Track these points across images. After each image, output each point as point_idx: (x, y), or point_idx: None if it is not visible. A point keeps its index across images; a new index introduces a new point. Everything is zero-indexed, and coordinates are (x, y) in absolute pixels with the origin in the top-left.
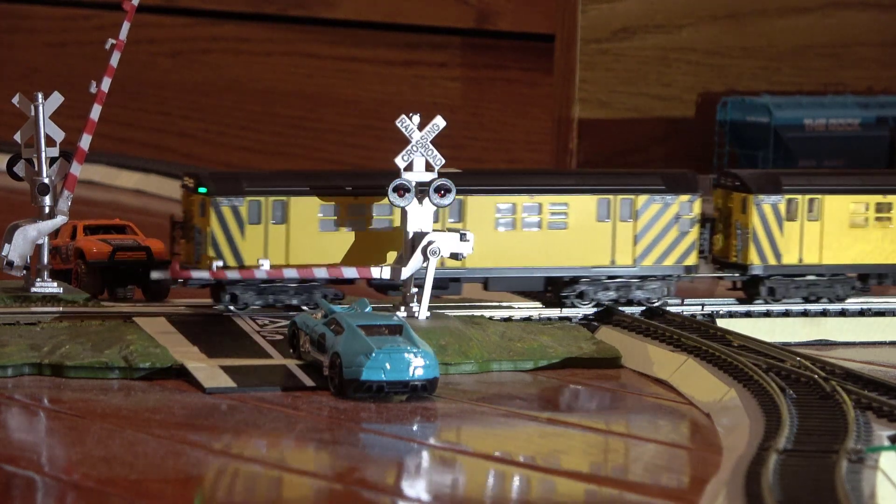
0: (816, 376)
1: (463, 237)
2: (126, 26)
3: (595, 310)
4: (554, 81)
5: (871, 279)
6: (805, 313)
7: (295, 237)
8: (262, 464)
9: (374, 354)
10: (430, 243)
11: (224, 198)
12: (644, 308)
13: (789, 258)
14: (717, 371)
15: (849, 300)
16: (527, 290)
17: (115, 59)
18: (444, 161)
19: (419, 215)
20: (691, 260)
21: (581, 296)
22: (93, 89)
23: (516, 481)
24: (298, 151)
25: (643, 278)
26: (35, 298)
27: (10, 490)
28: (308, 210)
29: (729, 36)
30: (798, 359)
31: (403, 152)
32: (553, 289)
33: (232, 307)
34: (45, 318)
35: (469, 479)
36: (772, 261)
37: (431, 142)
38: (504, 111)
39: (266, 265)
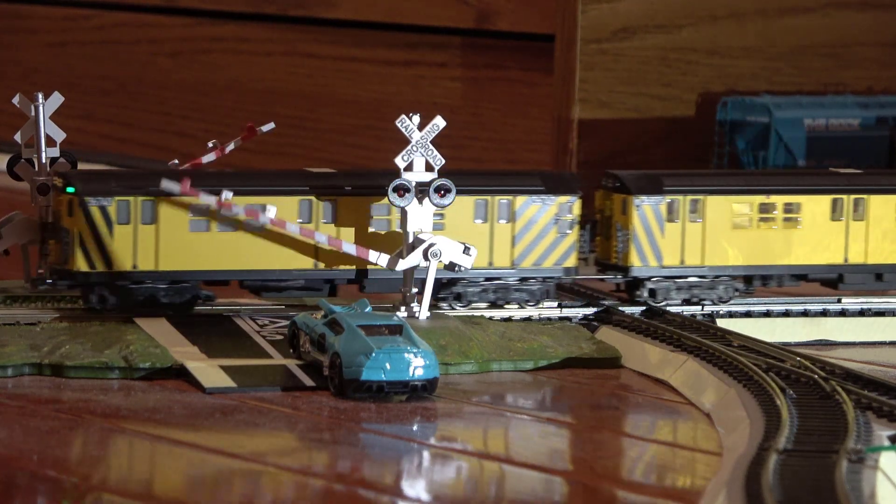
0: (816, 376)
1: (466, 251)
2: (236, 142)
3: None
4: (554, 81)
5: (755, 280)
6: (805, 313)
7: (165, 238)
8: (262, 464)
9: (374, 354)
10: (431, 245)
11: (92, 198)
12: (644, 308)
13: (671, 260)
14: (717, 371)
15: (732, 302)
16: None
17: (207, 158)
18: (444, 161)
19: (419, 215)
20: (571, 261)
21: (459, 297)
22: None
23: (516, 481)
24: (298, 151)
25: (522, 280)
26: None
27: (10, 490)
28: (178, 210)
29: (729, 36)
30: (798, 359)
31: (403, 152)
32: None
33: (99, 308)
34: (44, 318)
35: (469, 479)
36: (653, 262)
37: (431, 142)
38: (504, 111)
39: (272, 211)
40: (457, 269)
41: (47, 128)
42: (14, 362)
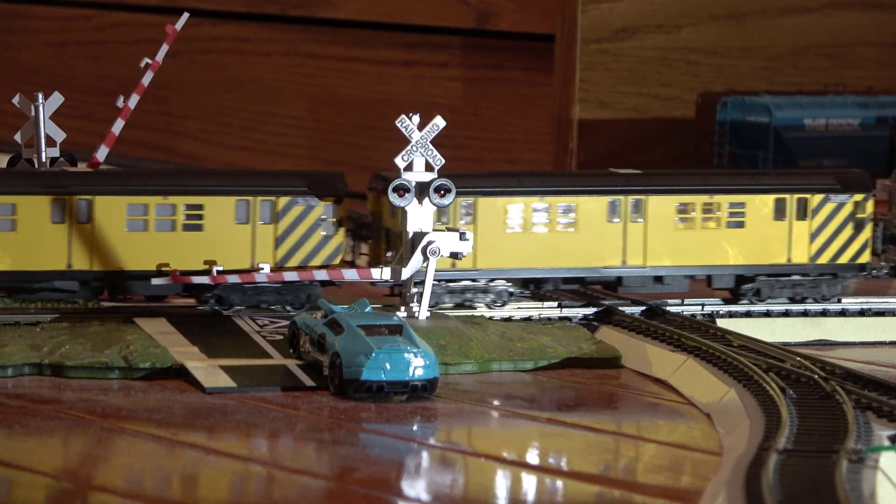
0: (816, 376)
1: (462, 236)
2: (164, 48)
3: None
4: (554, 81)
5: (531, 285)
6: (805, 313)
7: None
8: (262, 464)
9: (374, 354)
10: (430, 243)
11: None
12: (644, 308)
13: (440, 262)
14: (717, 371)
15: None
16: (166, 293)
17: (147, 79)
18: (444, 161)
19: (419, 215)
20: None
21: (220, 301)
22: (119, 103)
23: (516, 481)
24: (298, 151)
25: (286, 282)
26: None
27: (10, 490)
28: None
29: (729, 36)
30: (798, 359)
31: (403, 152)
32: (192, 293)
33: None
34: (44, 318)
35: (469, 479)
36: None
37: (431, 142)
38: (504, 111)
39: (266, 269)
40: (459, 257)
41: (47, 128)
42: (14, 362)
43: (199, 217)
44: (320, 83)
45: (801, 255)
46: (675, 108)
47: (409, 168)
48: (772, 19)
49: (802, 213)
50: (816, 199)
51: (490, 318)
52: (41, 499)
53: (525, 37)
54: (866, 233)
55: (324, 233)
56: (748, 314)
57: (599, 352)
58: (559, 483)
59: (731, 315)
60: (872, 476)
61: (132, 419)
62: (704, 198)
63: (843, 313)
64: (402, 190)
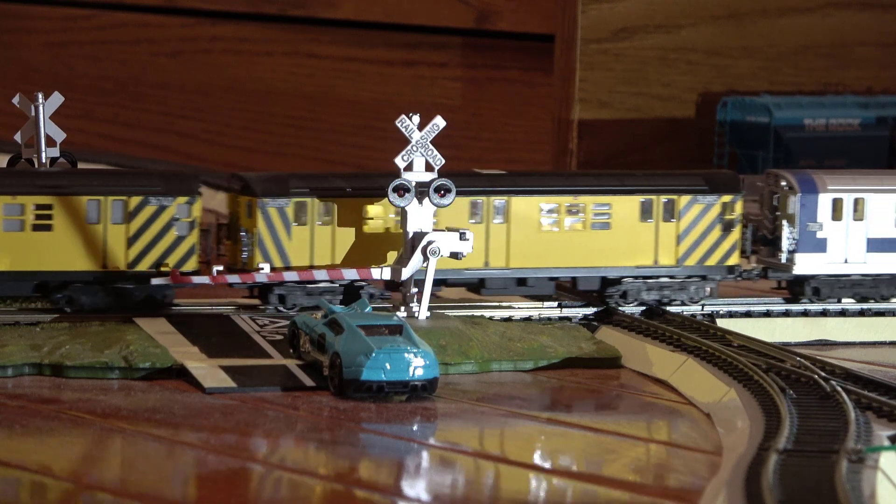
0: (816, 376)
1: (462, 236)
2: None
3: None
4: (554, 81)
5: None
6: (805, 313)
7: None
8: (262, 464)
9: (374, 354)
10: (429, 243)
11: None
12: (644, 308)
13: (298, 264)
14: (717, 371)
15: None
16: (18, 294)
17: None
18: (444, 161)
19: (419, 215)
20: (191, 265)
21: (70, 302)
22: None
23: (516, 481)
24: (298, 151)
25: (139, 281)
26: None
27: (9, 490)
28: None
29: (729, 36)
30: (798, 359)
31: (403, 152)
32: (43, 293)
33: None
34: (44, 318)
35: (469, 479)
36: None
37: (431, 142)
38: (504, 111)
39: (266, 269)
40: (459, 256)
41: (47, 128)
42: (14, 362)
43: (49, 217)
44: (320, 83)
45: (668, 257)
46: (675, 108)
47: (409, 168)
48: (772, 19)
49: (670, 214)
50: (684, 200)
51: (490, 318)
52: (41, 499)
53: (525, 37)
54: (735, 234)
55: (177, 233)
56: (748, 314)
57: (599, 352)
58: (559, 483)
59: (731, 315)
60: (872, 476)
61: (132, 419)
62: (569, 199)
63: (843, 313)
64: (402, 190)
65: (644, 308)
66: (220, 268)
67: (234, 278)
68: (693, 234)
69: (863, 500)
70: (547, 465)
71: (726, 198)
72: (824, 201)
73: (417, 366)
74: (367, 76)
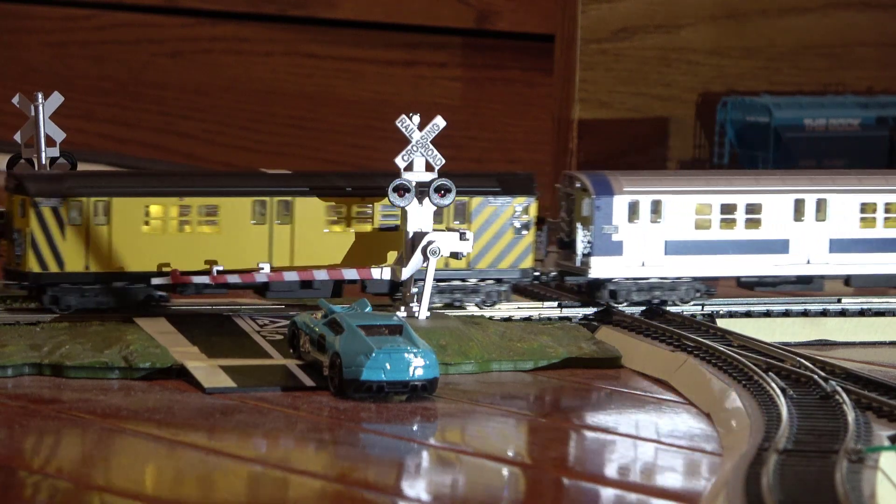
0: (816, 376)
1: (462, 236)
2: None
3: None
4: (554, 81)
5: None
6: (805, 313)
7: None
8: (262, 464)
9: (374, 354)
10: (430, 243)
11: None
12: (644, 308)
13: (73, 265)
14: (717, 371)
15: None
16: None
17: None
18: (444, 161)
19: (419, 215)
20: None
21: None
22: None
23: (516, 481)
24: (298, 151)
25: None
26: None
27: (10, 490)
28: None
29: (729, 36)
30: (798, 359)
31: (403, 152)
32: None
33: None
34: (44, 318)
35: (469, 479)
36: (54, 268)
37: (431, 142)
38: (504, 111)
39: (266, 268)
40: (459, 256)
41: (47, 128)
42: (14, 362)
43: None
44: (320, 83)
45: (458, 261)
46: (675, 108)
47: (409, 168)
48: (772, 19)
49: (461, 216)
50: (475, 201)
51: (490, 318)
52: (41, 499)
53: (525, 37)
54: (529, 237)
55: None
56: (748, 314)
57: (599, 352)
58: (559, 483)
59: (731, 315)
60: (872, 476)
61: (132, 419)
62: (357, 200)
63: (843, 313)
64: (402, 190)
65: (644, 308)
66: (220, 267)
67: (234, 278)
68: (485, 237)
69: (863, 500)
70: (547, 465)
71: (520, 199)
72: (620, 203)
73: (417, 366)
74: (367, 76)
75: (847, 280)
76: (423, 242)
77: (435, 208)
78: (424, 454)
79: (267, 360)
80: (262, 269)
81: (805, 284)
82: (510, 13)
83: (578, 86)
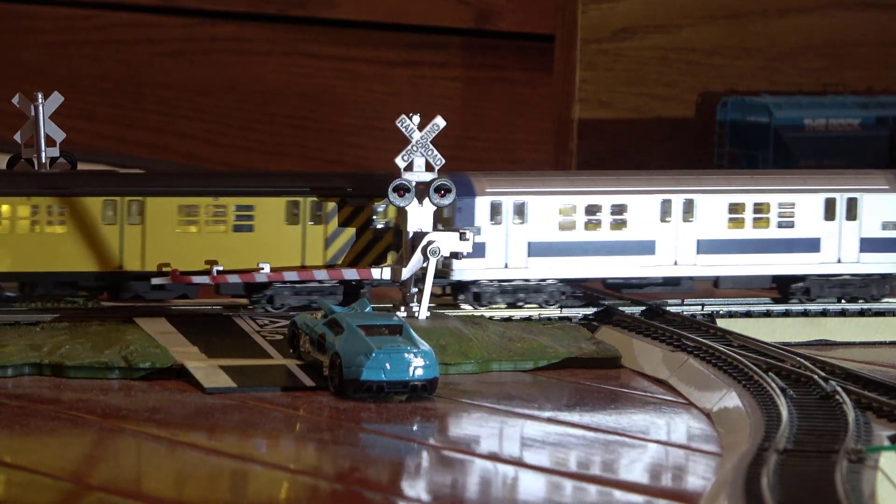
0: (816, 376)
1: (462, 236)
2: None
3: None
4: (554, 81)
5: (26, 288)
6: (805, 313)
7: None
8: (262, 464)
9: (374, 354)
10: (430, 243)
11: None
12: (644, 308)
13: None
14: (717, 371)
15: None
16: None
17: None
18: (444, 161)
19: (419, 215)
20: None
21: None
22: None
23: (516, 481)
24: (298, 151)
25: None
26: None
27: (10, 490)
28: None
29: (729, 36)
30: (798, 359)
31: (403, 152)
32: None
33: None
34: (44, 318)
35: (469, 479)
36: None
37: (431, 142)
38: (504, 111)
39: (266, 268)
40: (459, 256)
41: (47, 128)
42: (14, 362)
43: None
44: (320, 83)
45: (316, 260)
46: (675, 108)
47: (409, 168)
48: (772, 19)
49: (318, 216)
50: (332, 202)
51: (490, 318)
52: (41, 499)
53: (525, 37)
54: (387, 238)
55: None
56: (748, 314)
57: (599, 352)
58: (559, 483)
59: (731, 315)
60: (872, 476)
61: (132, 419)
62: (209, 200)
63: (843, 313)
64: (402, 190)
65: (644, 308)
66: (220, 267)
67: (233, 278)
68: (343, 238)
69: (863, 500)
70: (547, 465)
71: (378, 200)
72: (482, 205)
73: (417, 366)
74: (367, 76)
75: (715, 282)
76: (424, 242)
77: (434, 208)
78: (424, 454)
79: (267, 360)
80: (262, 269)
81: (673, 286)
82: (510, 13)
83: (578, 86)
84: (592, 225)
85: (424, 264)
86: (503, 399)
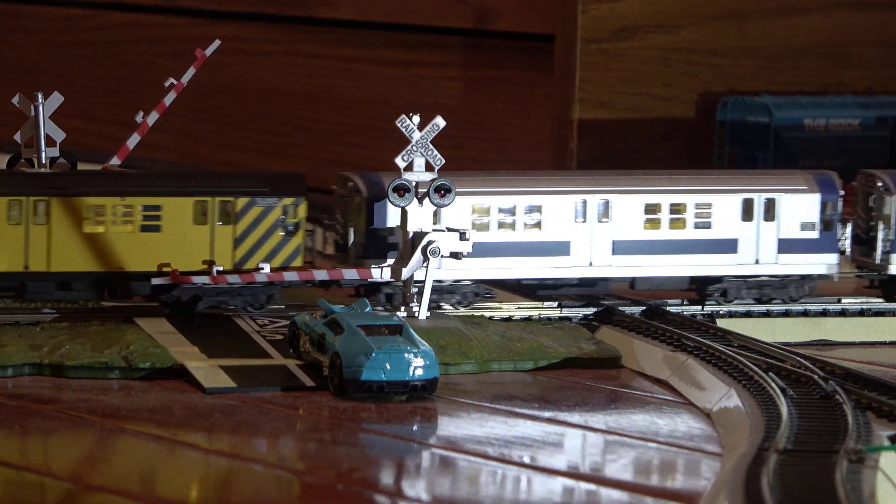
0: (816, 376)
1: (462, 236)
2: (191, 71)
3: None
4: (554, 81)
5: None
6: (805, 313)
7: None
8: (262, 464)
9: (374, 354)
10: (430, 243)
11: None
12: (644, 308)
13: None
14: (717, 371)
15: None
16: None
17: (169, 99)
18: (444, 161)
19: (419, 215)
20: None
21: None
22: (139, 119)
23: (516, 482)
24: (298, 151)
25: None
26: None
27: (10, 490)
28: None
29: (729, 36)
30: (798, 359)
31: (403, 152)
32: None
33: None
34: (44, 318)
35: (469, 479)
36: None
37: (431, 142)
38: (504, 111)
39: (266, 269)
40: (459, 257)
41: (47, 128)
42: (14, 362)
43: None
44: (320, 83)
45: (225, 261)
46: (675, 108)
47: (409, 168)
48: (772, 19)
49: (227, 216)
50: (241, 202)
51: (490, 318)
52: (41, 499)
53: (525, 37)
54: (298, 238)
55: None
56: (748, 314)
57: (599, 352)
58: (559, 483)
59: (731, 315)
60: (872, 476)
61: (132, 419)
62: (116, 200)
63: (843, 313)
64: (402, 190)
65: (644, 308)
66: (220, 267)
67: (234, 278)
68: (252, 238)
69: (863, 500)
70: (547, 465)
71: (287, 200)
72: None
73: (417, 366)
74: (367, 76)
75: (632, 283)
76: (423, 242)
77: (435, 208)
78: (424, 454)
79: (267, 360)
80: (263, 269)
81: (589, 287)
82: (510, 13)
83: (578, 86)
84: (507, 226)
85: (424, 264)
86: (503, 399)
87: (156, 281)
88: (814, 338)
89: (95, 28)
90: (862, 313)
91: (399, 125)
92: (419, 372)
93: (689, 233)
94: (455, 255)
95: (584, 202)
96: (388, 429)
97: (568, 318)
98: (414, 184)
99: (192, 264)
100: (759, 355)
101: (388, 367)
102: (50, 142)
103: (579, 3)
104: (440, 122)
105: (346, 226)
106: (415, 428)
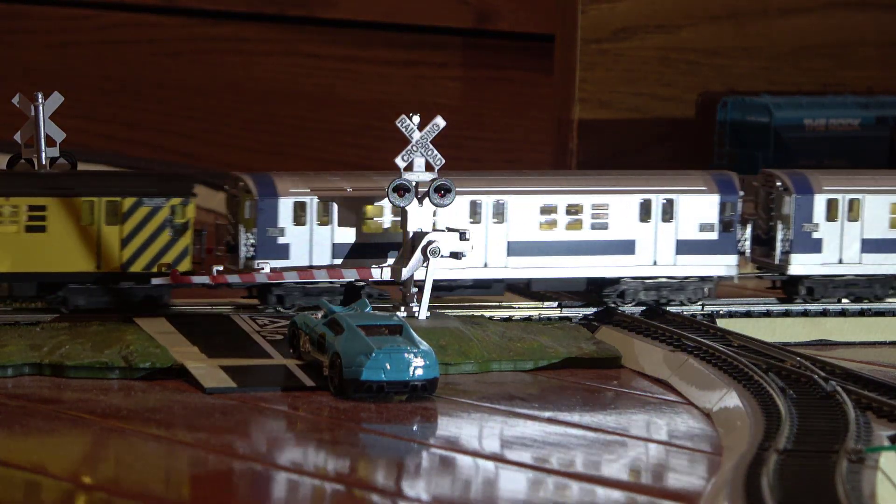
0: (816, 376)
1: (463, 236)
2: None
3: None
4: (554, 81)
5: None
6: (805, 313)
7: None
8: (262, 464)
9: (374, 354)
10: (430, 243)
11: None
12: (645, 308)
13: None
14: (717, 371)
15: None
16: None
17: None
18: (444, 161)
19: (419, 215)
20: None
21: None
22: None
23: (516, 482)
24: (298, 151)
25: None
26: None
27: (10, 490)
28: None
29: (729, 36)
30: (798, 359)
31: (403, 152)
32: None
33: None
34: (44, 318)
35: (469, 479)
36: None
37: (431, 142)
38: (504, 111)
39: (267, 269)
40: (459, 257)
41: (47, 128)
42: (14, 362)
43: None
44: (320, 83)
45: (112, 261)
46: (675, 108)
47: (409, 168)
48: (772, 19)
49: (113, 216)
50: (128, 202)
51: (490, 318)
52: (41, 499)
53: (525, 37)
54: (186, 238)
55: None
56: (748, 314)
57: (599, 352)
58: (559, 483)
59: (731, 315)
60: (872, 476)
61: (132, 419)
62: (1, 200)
63: (843, 313)
64: (402, 190)
65: (644, 308)
66: (220, 268)
67: (234, 278)
68: (139, 238)
69: (863, 500)
70: (547, 465)
71: (175, 200)
72: (285, 205)
73: (417, 366)
74: (367, 76)
75: (528, 284)
76: (424, 242)
77: (435, 208)
78: (424, 454)
79: (267, 360)
80: (262, 269)
81: (484, 289)
82: (510, 13)
83: (578, 86)
84: (398, 226)
85: (425, 264)
86: (503, 399)
87: (156, 281)
88: (814, 338)
89: (96, 28)
90: (862, 313)
91: (399, 125)
92: (419, 372)
93: (587, 234)
94: (455, 255)
95: (479, 202)
96: (388, 429)
97: (568, 318)
98: (414, 184)
99: (79, 265)
100: (759, 355)
101: (388, 367)
102: (50, 142)
103: (579, 3)
104: (440, 122)
105: (237, 226)
106: (415, 428)
